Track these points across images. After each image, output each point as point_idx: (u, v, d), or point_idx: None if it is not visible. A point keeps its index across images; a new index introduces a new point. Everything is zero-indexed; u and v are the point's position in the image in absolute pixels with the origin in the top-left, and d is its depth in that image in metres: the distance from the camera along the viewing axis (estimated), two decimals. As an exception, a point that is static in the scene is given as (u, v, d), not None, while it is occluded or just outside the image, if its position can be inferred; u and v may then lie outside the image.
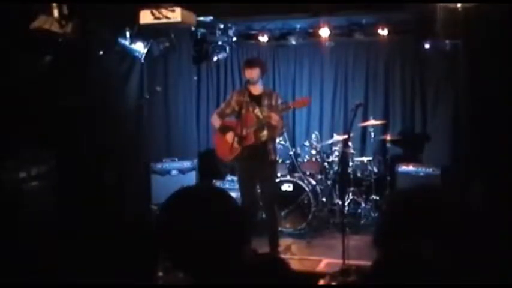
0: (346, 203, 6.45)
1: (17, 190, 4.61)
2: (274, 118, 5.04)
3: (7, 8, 4.59)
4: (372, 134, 6.83)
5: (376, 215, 6.39)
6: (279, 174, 6.22)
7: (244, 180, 5.33)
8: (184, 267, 1.57)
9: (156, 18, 5.19)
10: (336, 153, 6.69)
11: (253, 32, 7.19)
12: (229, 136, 5.19)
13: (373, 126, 6.78)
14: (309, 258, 5.52)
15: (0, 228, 3.90)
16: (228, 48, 7.02)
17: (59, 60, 5.17)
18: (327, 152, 6.84)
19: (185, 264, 1.57)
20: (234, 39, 7.04)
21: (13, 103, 4.72)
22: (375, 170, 6.76)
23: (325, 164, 6.69)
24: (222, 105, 5.51)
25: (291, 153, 6.57)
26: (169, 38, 6.37)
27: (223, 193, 1.70)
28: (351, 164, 6.64)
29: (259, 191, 5.44)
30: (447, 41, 6.14)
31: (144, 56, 6.40)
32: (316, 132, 6.79)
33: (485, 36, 4.94)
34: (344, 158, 6.44)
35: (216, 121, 5.40)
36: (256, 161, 5.18)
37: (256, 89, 5.22)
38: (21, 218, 4.29)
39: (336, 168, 6.71)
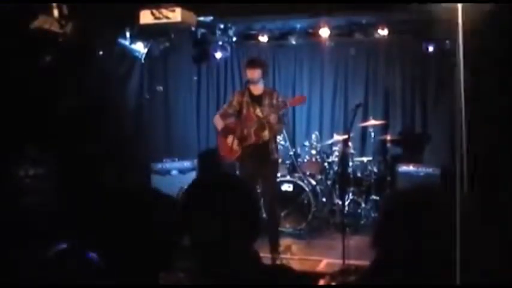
0: (346, 203, 6.45)
1: (17, 188, 4.61)
2: (274, 117, 5.05)
3: (7, 8, 4.60)
4: (372, 134, 6.84)
5: (376, 215, 6.39)
6: (279, 174, 6.23)
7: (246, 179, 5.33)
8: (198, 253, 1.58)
9: (156, 18, 5.19)
10: (336, 153, 6.69)
11: (253, 32, 7.18)
12: (230, 139, 5.19)
13: (373, 126, 6.78)
14: (309, 258, 5.52)
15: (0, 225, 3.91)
16: (229, 48, 7.02)
17: (59, 60, 5.17)
18: (327, 152, 6.84)
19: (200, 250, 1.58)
20: (234, 39, 7.04)
21: (12, 103, 4.73)
22: (375, 170, 6.76)
23: (325, 164, 6.69)
24: (225, 106, 5.52)
25: (291, 153, 6.57)
26: (169, 38, 6.37)
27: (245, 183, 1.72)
28: (351, 164, 6.64)
29: (259, 190, 5.44)
30: (447, 41, 6.14)
31: (144, 56, 6.40)
32: (316, 132, 6.79)
33: (485, 36, 4.94)
34: (344, 158, 6.44)
35: (218, 122, 5.41)
36: (258, 161, 5.18)
37: (257, 89, 5.23)
38: (20, 217, 4.30)
39: (336, 168, 6.71)
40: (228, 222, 1.58)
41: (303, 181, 6.31)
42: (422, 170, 6.55)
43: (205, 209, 1.59)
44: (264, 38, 7.07)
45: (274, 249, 5.27)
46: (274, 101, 5.19)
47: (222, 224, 1.57)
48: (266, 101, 5.19)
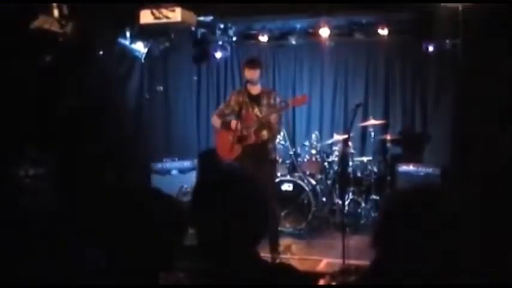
0: (346, 202, 6.45)
1: (17, 188, 4.61)
2: (273, 117, 5.06)
3: (7, 8, 4.60)
4: (372, 134, 6.83)
5: (376, 215, 6.38)
6: (279, 174, 6.22)
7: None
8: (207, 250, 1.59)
9: (156, 18, 5.19)
10: (336, 153, 6.69)
11: (253, 32, 7.19)
12: (230, 138, 5.18)
13: (373, 126, 6.78)
14: (309, 258, 5.51)
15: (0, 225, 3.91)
16: (229, 48, 7.02)
17: (59, 60, 5.17)
18: (327, 151, 6.83)
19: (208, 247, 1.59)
20: (234, 39, 7.04)
21: (12, 103, 4.73)
22: (375, 169, 6.76)
23: (325, 163, 6.69)
24: (221, 106, 5.52)
25: (291, 153, 6.57)
26: (169, 38, 6.37)
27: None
28: (351, 163, 6.63)
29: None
30: (447, 41, 6.14)
31: (144, 56, 6.40)
32: (316, 132, 6.79)
33: (485, 36, 4.94)
34: (344, 157, 6.44)
35: (216, 122, 5.41)
36: (257, 161, 5.17)
37: (255, 89, 5.23)
38: (20, 217, 4.30)
39: (336, 168, 6.71)
40: (235, 222, 1.57)
41: (303, 181, 6.30)
42: (422, 170, 6.55)
43: (211, 208, 1.59)
44: (264, 38, 7.07)
45: (274, 249, 5.26)
46: (272, 101, 5.19)
47: (230, 223, 1.57)
48: (264, 101, 5.19)
